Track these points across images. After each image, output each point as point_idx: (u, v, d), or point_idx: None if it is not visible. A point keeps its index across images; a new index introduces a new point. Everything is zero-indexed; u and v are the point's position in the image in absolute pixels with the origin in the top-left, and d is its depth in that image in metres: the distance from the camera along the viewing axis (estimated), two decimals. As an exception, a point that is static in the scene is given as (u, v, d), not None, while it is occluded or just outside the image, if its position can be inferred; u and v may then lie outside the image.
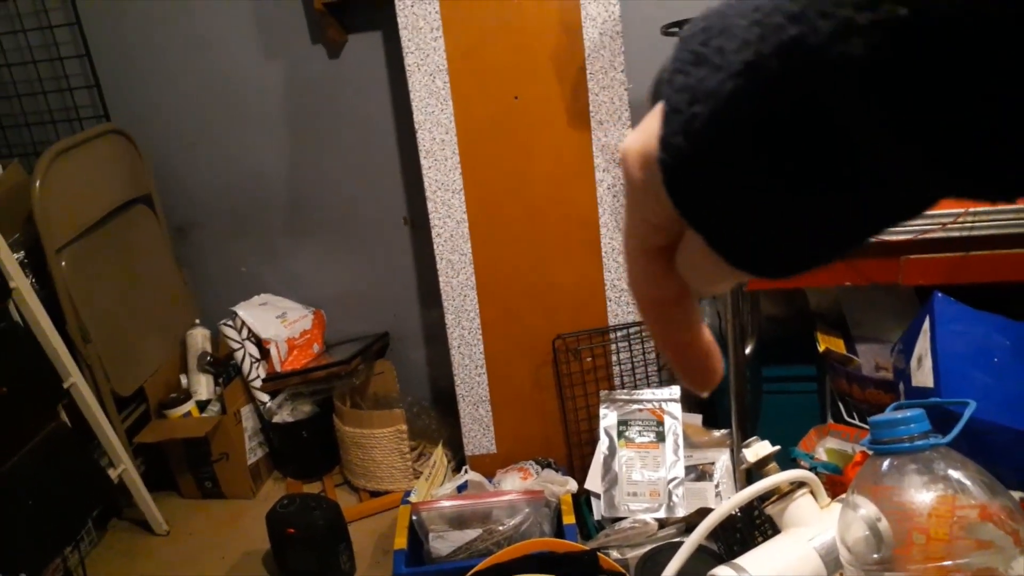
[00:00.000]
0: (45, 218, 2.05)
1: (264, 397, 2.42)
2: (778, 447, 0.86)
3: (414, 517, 1.81)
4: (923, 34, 0.17)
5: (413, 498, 1.94)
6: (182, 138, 2.50)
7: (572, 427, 2.10)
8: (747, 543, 1.26)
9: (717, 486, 1.83)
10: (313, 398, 2.43)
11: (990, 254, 1.49)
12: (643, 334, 2.03)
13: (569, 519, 1.79)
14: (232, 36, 2.36)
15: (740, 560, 0.75)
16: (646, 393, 1.93)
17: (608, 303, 2.03)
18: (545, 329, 2.04)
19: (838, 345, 1.78)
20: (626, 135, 0.27)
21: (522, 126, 1.94)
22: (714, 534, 1.37)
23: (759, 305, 1.95)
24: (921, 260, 1.52)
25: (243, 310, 2.44)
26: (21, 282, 1.92)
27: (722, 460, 1.86)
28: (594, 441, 1.94)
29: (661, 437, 1.87)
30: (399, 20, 1.89)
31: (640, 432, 1.88)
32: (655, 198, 0.23)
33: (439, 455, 2.15)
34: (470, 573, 1.44)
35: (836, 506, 0.78)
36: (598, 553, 1.47)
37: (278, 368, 2.42)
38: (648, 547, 1.62)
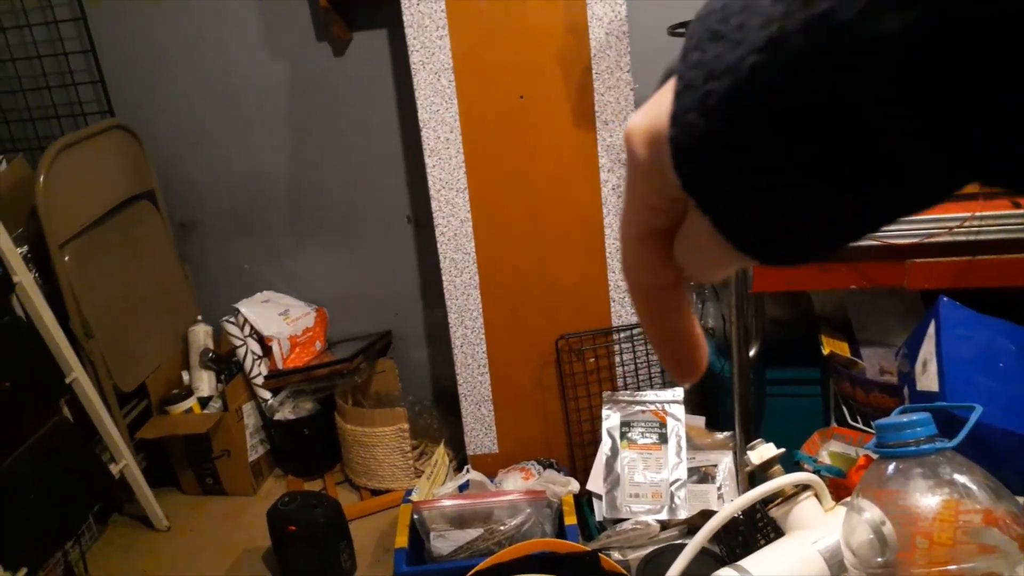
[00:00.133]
0: (49, 213, 2.05)
1: (266, 394, 2.42)
2: (783, 449, 0.85)
3: (415, 516, 1.80)
4: (965, 10, 0.16)
5: (414, 497, 1.94)
6: (186, 134, 2.50)
7: (574, 428, 2.09)
8: (749, 546, 1.25)
9: (719, 488, 1.83)
10: (315, 396, 2.43)
11: (996, 258, 1.48)
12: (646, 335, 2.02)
13: (571, 520, 1.79)
14: (237, 33, 2.36)
15: (744, 562, 0.74)
16: (649, 394, 1.93)
17: (611, 304, 2.03)
18: (548, 329, 2.04)
19: (842, 348, 1.78)
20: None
21: (527, 125, 1.93)
22: (716, 536, 1.37)
23: (763, 307, 1.94)
24: (927, 264, 1.51)
25: (246, 307, 2.44)
26: (24, 277, 1.92)
27: (725, 462, 1.85)
28: (596, 442, 1.94)
29: (664, 439, 1.87)
30: (404, 18, 1.89)
31: (643, 433, 1.88)
32: (659, 178, 0.22)
33: (441, 454, 2.15)
34: (471, 573, 1.44)
35: (840, 509, 0.78)
36: (599, 554, 1.47)
37: (280, 365, 2.42)
38: (650, 549, 1.61)
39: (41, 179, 2.03)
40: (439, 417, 2.44)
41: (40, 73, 2.43)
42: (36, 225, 2.07)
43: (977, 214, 1.45)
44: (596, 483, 1.86)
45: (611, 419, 1.91)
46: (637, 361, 2.05)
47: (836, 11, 0.17)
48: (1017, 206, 1.45)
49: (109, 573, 2.16)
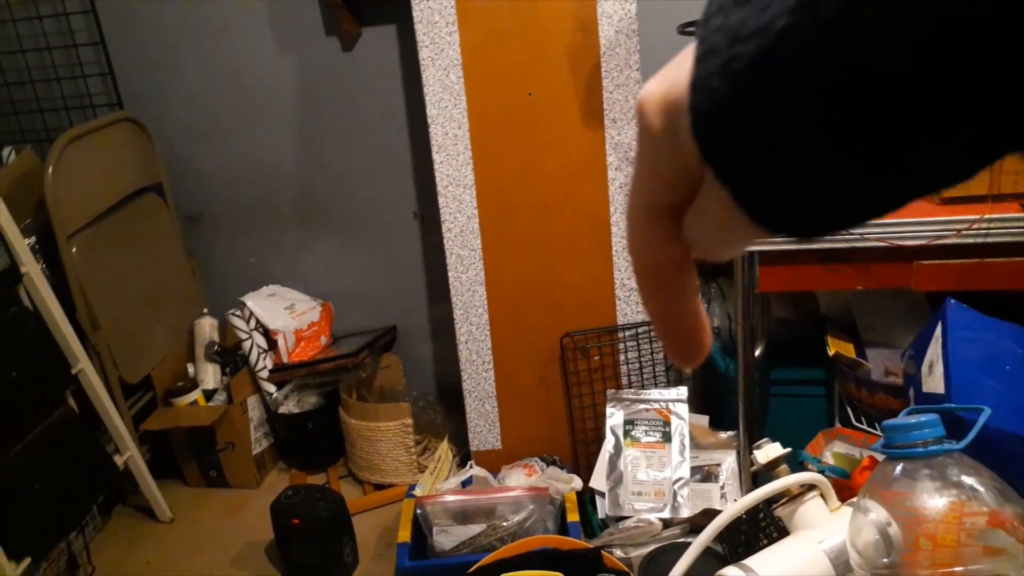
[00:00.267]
0: (57, 204, 2.05)
1: (271, 388, 2.42)
2: (789, 449, 0.86)
3: (418, 511, 1.81)
4: None
5: (417, 492, 1.94)
6: (194, 128, 2.50)
7: (578, 425, 2.10)
8: (752, 545, 1.25)
9: (723, 487, 1.83)
10: (319, 390, 2.43)
11: (1004, 261, 1.48)
12: (651, 334, 2.02)
13: (573, 517, 1.79)
14: (246, 27, 2.36)
15: (749, 561, 0.74)
16: (653, 393, 1.93)
17: (617, 302, 2.03)
18: (553, 326, 2.04)
19: (848, 349, 1.78)
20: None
21: (535, 123, 1.93)
22: (719, 535, 1.37)
23: (769, 307, 1.94)
24: (934, 266, 1.51)
25: (251, 300, 2.44)
26: (32, 267, 1.93)
27: (728, 461, 1.86)
28: (600, 440, 1.94)
29: (667, 437, 1.87)
30: (414, 14, 1.89)
31: (646, 432, 1.88)
32: (673, 149, 0.22)
33: (444, 450, 2.15)
34: (473, 568, 1.44)
35: (846, 510, 0.78)
36: (602, 551, 1.47)
37: (285, 359, 2.42)
38: (652, 547, 1.62)
39: (50, 171, 2.03)
40: (443, 413, 2.44)
41: (50, 65, 2.44)
42: (44, 216, 2.07)
43: (985, 217, 1.44)
44: (599, 480, 1.87)
45: (615, 417, 1.91)
46: (642, 359, 2.06)
47: None
48: (1026, 209, 1.45)
49: (112, 564, 2.16)
